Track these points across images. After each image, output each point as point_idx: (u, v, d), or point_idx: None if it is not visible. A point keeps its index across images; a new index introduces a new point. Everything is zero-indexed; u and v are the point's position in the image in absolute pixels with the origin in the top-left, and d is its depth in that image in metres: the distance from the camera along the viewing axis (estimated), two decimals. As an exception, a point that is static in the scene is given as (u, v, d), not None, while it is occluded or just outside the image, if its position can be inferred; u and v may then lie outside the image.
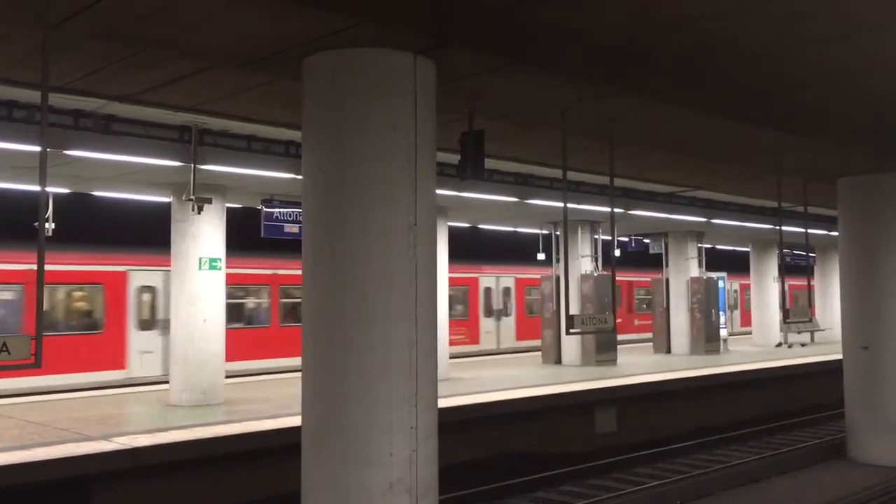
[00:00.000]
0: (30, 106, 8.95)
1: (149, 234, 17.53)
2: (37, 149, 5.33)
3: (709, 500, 10.12)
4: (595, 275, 18.62)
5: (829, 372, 16.19)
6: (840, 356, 12.19)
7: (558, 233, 19.37)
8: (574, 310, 17.15)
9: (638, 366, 17.91)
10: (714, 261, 24.54)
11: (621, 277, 27.49)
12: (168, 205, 12.56)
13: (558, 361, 18.94)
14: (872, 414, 11.37)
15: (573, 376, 15.83)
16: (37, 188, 5.38)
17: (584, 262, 18.77)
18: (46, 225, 10.57)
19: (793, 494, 10.16)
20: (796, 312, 12.90)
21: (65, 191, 12.88)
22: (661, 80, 7.53)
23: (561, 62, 6.73)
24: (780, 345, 24.49)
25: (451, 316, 22.36)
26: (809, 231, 12.61)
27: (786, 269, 13.26)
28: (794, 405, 17.28)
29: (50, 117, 7.54)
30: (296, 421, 6.99)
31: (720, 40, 7.00)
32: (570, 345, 18.46)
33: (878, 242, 11.42)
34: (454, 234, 18.01)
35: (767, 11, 6.33)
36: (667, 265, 22.06)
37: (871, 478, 10.54)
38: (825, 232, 19.50)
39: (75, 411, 11.34)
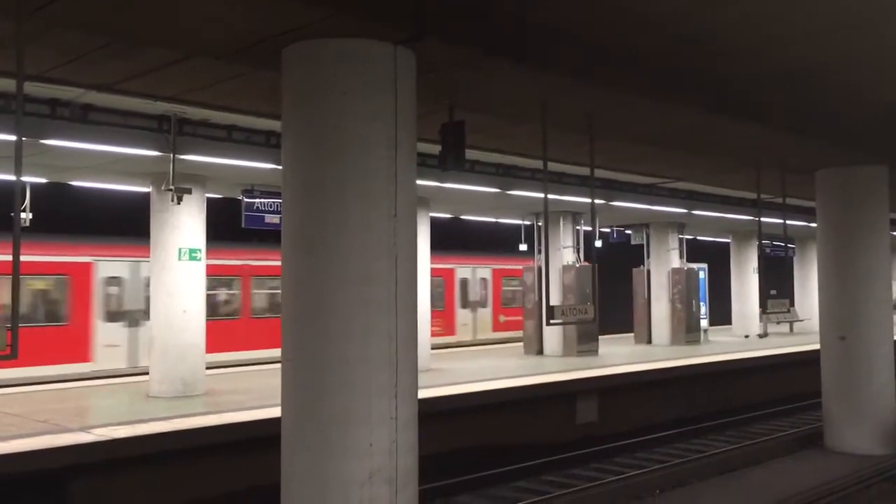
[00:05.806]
0: (5, 94, 8.84)
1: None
2: (12, 138, 5.27)
3: (687, 489, 10.21)
4: (577, 266, 18.69)
5: (804, 362, 16.37)
6: (817, 346, 12.33)
7: (540, 223, 19.41)
8: (555, 300, 17.24)
9: (619, 356, 18.02)
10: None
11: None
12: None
13: (540, 352, 19.01)
14: (848, 403, 11.51)
15: (554, 367, 15.90)
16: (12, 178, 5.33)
17: (565, 252, 18.83)
18: (23, 215, 10.39)
19: (769, 483, 10.26)
20: (774, 304, 13.00)
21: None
22: (638, 74, 7.55)
23: (539, 56, 6.73)
24: (748, 336, 24.55)
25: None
26: (788, 222, 12.70)
27: (766, 260, 13.35)
28: (771, 394, 17.47)
29: (26, 106, 7.48)
30: (275, 412, 6.98)
31: (697, 36, 7.01)
32: (552, 335, 18.53)
33: (854, 233, 11.53)
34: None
35: (743, 8, 6.36)
36: (648, 256, 22.16)
37: (846, 467, 10.67)
38: (804, 223, 19.64)
39: (53, 402, 11.27)
